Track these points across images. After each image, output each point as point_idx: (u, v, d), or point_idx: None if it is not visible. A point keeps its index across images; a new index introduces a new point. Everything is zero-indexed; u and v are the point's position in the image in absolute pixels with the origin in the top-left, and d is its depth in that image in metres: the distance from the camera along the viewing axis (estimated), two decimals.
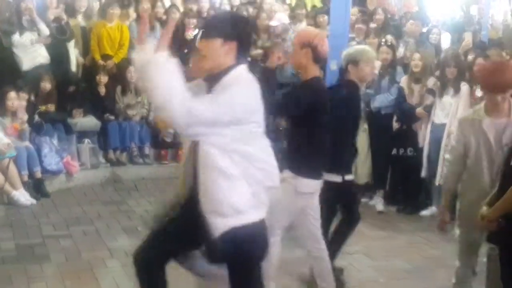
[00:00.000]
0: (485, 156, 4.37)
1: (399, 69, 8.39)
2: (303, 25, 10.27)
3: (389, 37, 8.90)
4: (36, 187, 8.12)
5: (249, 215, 3.23)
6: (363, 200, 8.33)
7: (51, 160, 8.48)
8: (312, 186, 4.68)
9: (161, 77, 2.99)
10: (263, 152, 3.29)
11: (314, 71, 4.63)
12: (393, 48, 8.42)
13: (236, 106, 3.10)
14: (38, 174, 8.21)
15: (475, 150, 4.39)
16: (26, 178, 8.01)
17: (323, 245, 4.94)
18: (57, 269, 5.78)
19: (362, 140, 8.32)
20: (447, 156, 4.50)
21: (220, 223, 3.18)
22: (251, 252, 3.31)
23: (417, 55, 8.06)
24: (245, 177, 3.19)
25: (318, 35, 4.66)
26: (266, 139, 3.35)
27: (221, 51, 3.23)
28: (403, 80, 8.12)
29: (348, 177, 5.28)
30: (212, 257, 3.41)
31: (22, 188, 7.83)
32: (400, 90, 8.05)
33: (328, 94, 4.74)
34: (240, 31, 3.30)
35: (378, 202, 8.21)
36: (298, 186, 4.57)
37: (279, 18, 9.97)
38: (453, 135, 4.44)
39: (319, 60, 4.63)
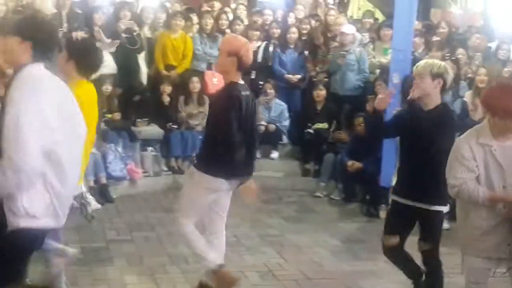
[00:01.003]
0: (497, 182, 4.03)
1: (463, 83, 8.29)
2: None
3: (461, 51, 8.79)
4: (101, 193, 8.30)
5: (38, 221, 3.41)
6: None
7: (116, 167, 8.67)
8: (217, 184, 4.91)
9: None
10: (66, 162, 3.46)
11: (235, 77, 4.88)
12: (457, 62, 8.33)
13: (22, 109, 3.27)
14: (103, 180, 8.40)
15: (485, 176, 4.04)
16: (92, 183, 8.21)
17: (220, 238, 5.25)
18: (119, 273, 5.89)
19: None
20: (453, 180, 4.09)
21: (12, 221, 3.37)
22: (25, 251, 3.57)
23: (482, 70, 7.97)
24: (44, 184, 3.38)
25: (245, 45, 4.92)
26: (77, 148, 3.61)
27: (18, 49, 3.46)
28: (467, 95, 8.03)
29: None
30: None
31: (88, 193, 8.01)
32: (464, 105, 7.96)
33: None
34: (36, 32, 3.51)
35: None
36: (203, 182, 4.90)
37: (348, 27, 9.95)
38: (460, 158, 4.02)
39: (243, 68, 4.89)
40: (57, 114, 3.39)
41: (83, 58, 5.03)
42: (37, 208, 3.40)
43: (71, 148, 3.52)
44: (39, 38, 3.52)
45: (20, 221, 3.36)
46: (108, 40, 9.14)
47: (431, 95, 4.75)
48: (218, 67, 5.16)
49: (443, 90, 4.81)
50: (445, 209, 4.97)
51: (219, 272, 5.10)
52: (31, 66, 3.48)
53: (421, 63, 5.03)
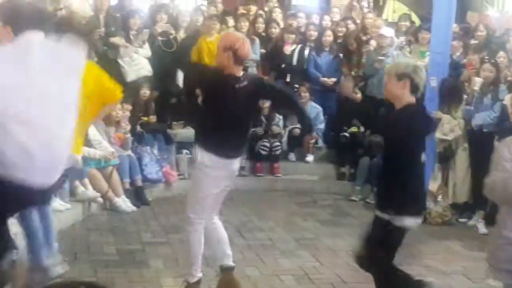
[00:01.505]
0: None
1: (503, 86, 8.17)
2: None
3: (501, 54, 8.67)
4: (137, 195, 8.35)
5: None
6: (461, 220, 8.20)
7: (152, 169, 8.71)
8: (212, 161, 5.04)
9: None
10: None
11: (233, 70, 5.00)
12: (497, 65, 8.21)
13: None
14: (139, 182, 8.45)
15: None
16: (127, 185, 8.26)
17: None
18: (155, 275, 5.91)
19: (462, 158, 8.20)
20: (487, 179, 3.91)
21: None
22: None
23: None
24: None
25: (240, 39, 5.04)
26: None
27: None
28: (507, 98, 7.89)
29: None
30: None
31: (124, 195, 8.07)
32: (504, 108, 7.84)
33: None
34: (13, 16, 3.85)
35: (478, 223, 8.02)
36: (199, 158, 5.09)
37: (386, 31, 9.89)
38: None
39: (239, 61, 5.01)
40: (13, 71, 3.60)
41: None
42: None
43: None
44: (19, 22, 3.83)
45: None
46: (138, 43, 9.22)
47: (398, 96, 4.55)
48: (217, 63, 5.23)
49: (415, 90, 4.54)
50: (395, 220, 4.42)
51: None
52: None
53: (390, 64, 4.96)
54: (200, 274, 5.34)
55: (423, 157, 4.54)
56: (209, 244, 5.37)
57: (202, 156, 5.06)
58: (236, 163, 5.28)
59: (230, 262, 5.40)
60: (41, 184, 3.73)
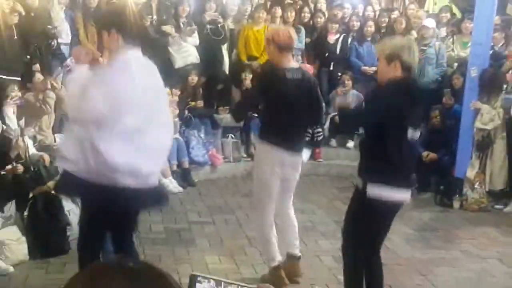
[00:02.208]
0: None
1: None
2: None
3: None
4: (184, 177, 8.42)
5: None
6: (498, 206, 8.10)
7: (198, 152, 8.77)
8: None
9: None
10: None
11: (281, 62, 5.02)
12: None
13: None
14: (186, 165, 8.51)
15: None
16: (175, 167, 8.33)
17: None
18: (201, 253, 5.96)
19: (500, 146, 8.09)
20: None
21: None
22: None
23: None
24: None
25: (278, 30, 5.18)
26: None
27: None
28: None
29: None
30: None
31: (171, 176, 8.14)
32: None
33: None
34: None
35: None
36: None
37: (429, 22, 9.75)
38: None
39: (284, 51, 4.99)
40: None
41: None
42: None
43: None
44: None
45: None
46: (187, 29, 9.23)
47: (389, 78, 4.22)
48: (268, 56, 5.38)
49: (406, 69, 4.16)
50: (370, 189, 4.14)
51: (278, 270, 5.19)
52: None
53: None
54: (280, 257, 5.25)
55: (411, 132, 4.14)
56: (280, 229, 5.33)
57: (260, 146, 5.13)
58: (295, 155, 5.15)
59: (296, 251, 5.37)
60: (148, 187, 3.93)
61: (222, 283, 1.42)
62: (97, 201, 3.88)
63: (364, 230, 4.29)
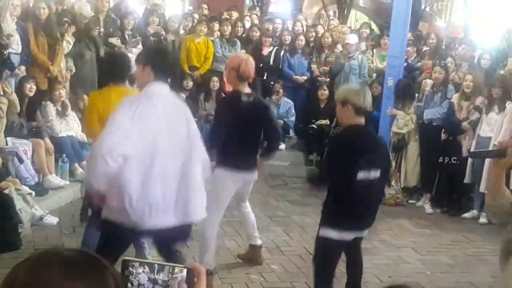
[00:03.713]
0: None
1: (450, 87, 8.24)
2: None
3: (449, 60, 8.76)
4: None
5: None
6: (411, 201, 8.27)
7: None
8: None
9: None
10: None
11: (239, 87, 5.02)
12: (446, 69, 8.31)
13: None
14: None
15: None
16: None
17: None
18: None
19: (413, 148, 8.27)
20: None
21: None
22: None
23: (469, 77, 7.88)
24: None
25: (243, 61, 5.02)
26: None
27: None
28: (455, 97, 7.97)
29: None
30: None
31: None
32: (451, 105, 7.91)
33: None
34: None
35: (425, 204, 8.08)
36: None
37: (352, 38, 9.90)
38: None
39: (242, 78, 4.97)
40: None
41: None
42: None
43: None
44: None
45: None
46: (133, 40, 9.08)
47: (343, 119, 4.32)
48: (226, 80, 5.44)
49: (359, 112, 4.19)
50: (321, 230, 4.21)
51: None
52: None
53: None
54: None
55: (362, 175, 4.03)
56: (243, 225, 5.61)
57: (218, 169, 4.97)
58: (248, 174, 5.14)
59: (258, 242, 5.58)
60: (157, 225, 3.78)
61: (156, 265, 1.36)
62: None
63: (322, 265, 4.31)
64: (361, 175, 4.03)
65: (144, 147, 3.64)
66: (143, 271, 1.35)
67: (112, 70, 5.07)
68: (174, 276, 1.37)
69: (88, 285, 1.18)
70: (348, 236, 4.21)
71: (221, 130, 5.09)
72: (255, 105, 5.07)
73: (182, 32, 10.14)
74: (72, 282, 1.17)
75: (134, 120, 3.59)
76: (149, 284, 1.35)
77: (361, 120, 4.22)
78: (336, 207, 4.14)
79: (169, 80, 3.97)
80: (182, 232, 3.97)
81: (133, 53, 9.08)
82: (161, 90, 3.85)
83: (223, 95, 5.34)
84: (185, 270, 1.37)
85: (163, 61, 3.98)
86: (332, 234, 4.12)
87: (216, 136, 5.17)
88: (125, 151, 3.55)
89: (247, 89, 5.07)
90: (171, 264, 1.39)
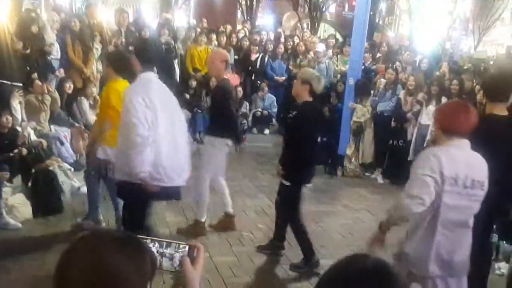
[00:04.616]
0: None
1: (399, 85, 8.30)
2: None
3: (398, 64, 8.84)
4: None
5: None
6: (367, 174, 8.34)
7: None
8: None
9: None
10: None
11: (222, 71, 5.13)
12: (396, 71, 8.38)
13: None
14: None
15: None
16: None
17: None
18: (160, 210, 5.85)
19: (369, 133, 8.32)
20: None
21: None
22: None
23: (412, 77, 7.96)
24: None
25: (225, 54, 5.21)
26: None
27: None
28: (401, 94, 8.04)
29: None
30: None
31: None
32: (398, 100, 7.97)
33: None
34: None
35: (378, 176, 8.16)
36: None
37: (321, 46, 9.95)
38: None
39: (226, 65, 5.16)
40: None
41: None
42: None
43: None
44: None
45: None
46: None
47: (299, 95, 4.37)
48: (210, 69, 5.45)
49: (312, 93, 4.32)
50: (291, 182, 4.47)
51: (201, 224, 5.23)
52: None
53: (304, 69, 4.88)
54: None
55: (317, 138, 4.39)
56: (218, 195, 5.40)
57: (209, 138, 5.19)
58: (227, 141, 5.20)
59: (230, 210, 5.45)
60: (178, 184, 3.87)
61: (164, 242, 1.34)
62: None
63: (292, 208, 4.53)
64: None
65: (162, 124, 3.68)
66: (153, 246, 1.34)
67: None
68: (179, 250, 1.37)
69: (131, 258, 1.18)
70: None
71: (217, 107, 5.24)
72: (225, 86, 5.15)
73: (188, 42, 10.09)
74: (119, 255, 1.17)
75: (149, 108, 3.63)
76: (158, 255, 1.35)
77: (311, 99, 4.36)
78: (297, 161, 4.32)
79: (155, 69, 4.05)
80: (178, 189, 4.03)
81: None
82: (152, 77, 3.90)
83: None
84: (187, 247, 1.38)
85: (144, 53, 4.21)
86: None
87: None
88: (153, 135, 3.61)
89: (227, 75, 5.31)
90: (176, 241, 1.39)
